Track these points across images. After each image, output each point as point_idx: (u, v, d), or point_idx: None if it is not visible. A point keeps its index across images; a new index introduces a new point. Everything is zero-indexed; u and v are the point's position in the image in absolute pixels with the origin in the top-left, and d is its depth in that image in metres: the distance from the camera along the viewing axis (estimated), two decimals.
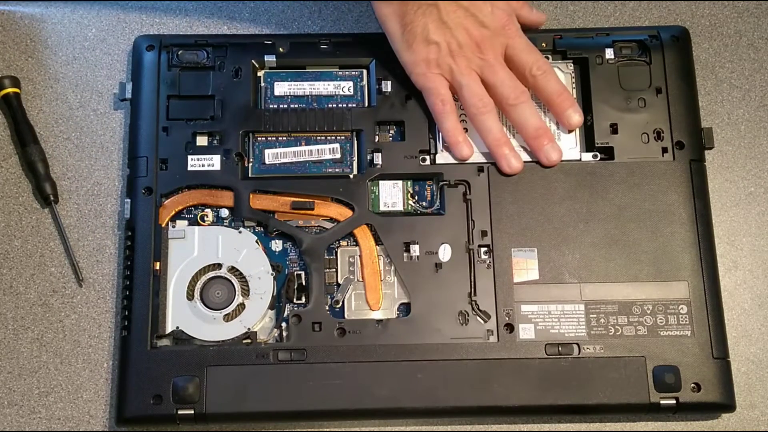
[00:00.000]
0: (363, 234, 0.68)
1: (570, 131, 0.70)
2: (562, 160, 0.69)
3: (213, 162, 0.68)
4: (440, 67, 0.68)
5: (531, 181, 0.68)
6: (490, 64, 0.68)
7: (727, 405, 0.64)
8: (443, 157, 0.69)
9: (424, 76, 0.68)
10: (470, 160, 0.68)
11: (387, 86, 0.70)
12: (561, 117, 0.69)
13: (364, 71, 0.72)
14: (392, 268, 0.67)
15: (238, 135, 0.69)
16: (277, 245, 0.68)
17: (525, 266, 0.66)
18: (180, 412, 0.63)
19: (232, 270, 0.66)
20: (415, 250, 0.67)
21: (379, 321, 0.65)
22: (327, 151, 0.70)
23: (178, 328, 0.65)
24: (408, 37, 0.68)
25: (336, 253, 0.68)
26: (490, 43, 0.68)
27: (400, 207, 0.69)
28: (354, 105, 0.71)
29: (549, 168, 0.68)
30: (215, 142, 0.69)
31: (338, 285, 0.67)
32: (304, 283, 0.67)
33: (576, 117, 0.69)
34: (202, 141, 0.70)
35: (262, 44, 0.71)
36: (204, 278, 0.66)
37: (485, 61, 0.68)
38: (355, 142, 0.70)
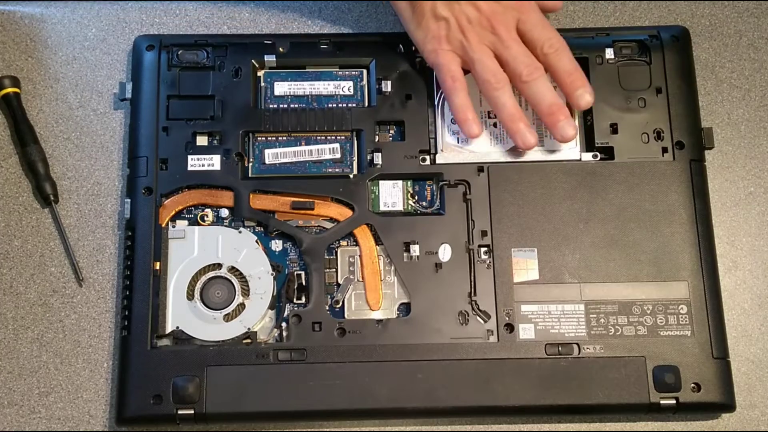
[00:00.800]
0: (363, 234, 0.68)
1: (580, 111, 0.69)
2: (562, 160, 0.69)
3: (213, 162, 0.68)
4: (451, 43, 0.67)
5: (531, 181, 0.68)
6: (502, 39, 0.66)
7: (727, 405, 0.64)
8: (443, 157, 0.69)
9: (435, 53, 0.68)
10: (470, 160, 0.68)
11: (387, 86, 0.70)
12: (571, 97, 0.67)
13: (364, 71, 0.72)
14: (392, 268, 0.67)
15: (238, 135, 0.69)
16: (277, 245, 0.68)
17: (525, 266, 0.66)
18: (180, 412, 0.63)
19: (232, 270, 0.66)
20: (415, 250, 0.67)
21: (379, 321, 0.65)
22: (327, 151, 0.70)
23: (178, 328, 0.65)
24: (417, 15, 0.68)
25: (336, 253, 0.68)
26: (501, 18, 0.66)
27: (400, 207, 0.69)
28: (354, 105, 0.71)
29: (564, 143, 0.68)
30: (215, 142, 0.69)
31: (338, 285, 0.67)
32: (304, 283, 0.67)
33: (587, 97, 0.67)
34: (202, 141, 0.70)
35: (262, 44, 0.71)
36: (204, 278, 0.66)
37: (497, 36, 0.66)
38: (355, 142, 0.70)
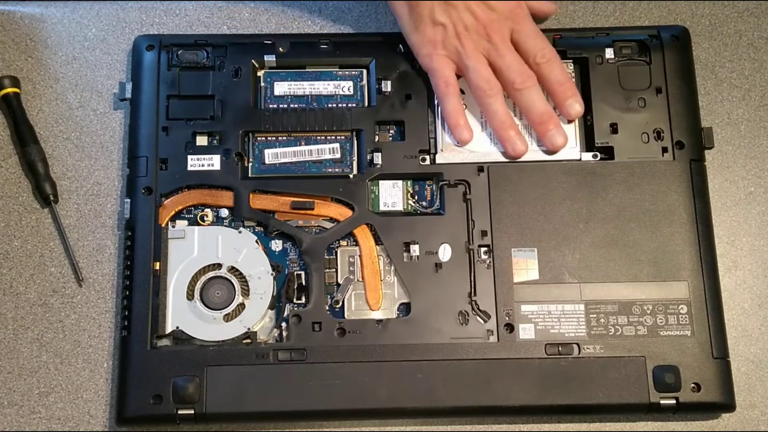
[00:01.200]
0: (363, 234, 0.68)
1: (570, 121, 0.69)
2: (562, 160, 0.69)
3: (213, 162, 0.68)
4: (446, 48, 0.68)
5: (531, 181, 0.68)
6: (496, 47, 0.68)
7: (727, 405, 0.64)
8: (443, 157, 0.69)
9: (430, 57, 0.68)
10: (470, 160, 0.69)
11: (387, 86, 0.70)
12: (561, 106, 0.69)
13: (364, 71, 0.72)
14: (392, 268, 0.67)
15: (238, 135, 0.69)
16: (277, 245, 0.68)
17: (525, 266, 0.66)
18: (180, 412, 0.63)
19: (232, 270, 0.66)
20: (415, 250, 0.67)
21: (379, 321, 0.65)
22: (327, 150, 0.70)
23: (178, 328, 0.65)
24: (415, 18, 0.68)
25: (336, 253, 0.68)
26: (497, 26, 0.68)
27: (400, 207, 0.69)
28: (354, 105, 0.71)
29: (553, 153, 0.68)
30: (215, 141, 0.69)
31: (338, 285, 0.67)
32: (304, 283, 0.67)
33: (576, 107, 0.68)
34: (201, 141, 0.70)
35: (262, 44, 0.71)
36: (204, 278, 0.66)
37: (492, 44, 0.68)
38: (355, 142, 0.70)
